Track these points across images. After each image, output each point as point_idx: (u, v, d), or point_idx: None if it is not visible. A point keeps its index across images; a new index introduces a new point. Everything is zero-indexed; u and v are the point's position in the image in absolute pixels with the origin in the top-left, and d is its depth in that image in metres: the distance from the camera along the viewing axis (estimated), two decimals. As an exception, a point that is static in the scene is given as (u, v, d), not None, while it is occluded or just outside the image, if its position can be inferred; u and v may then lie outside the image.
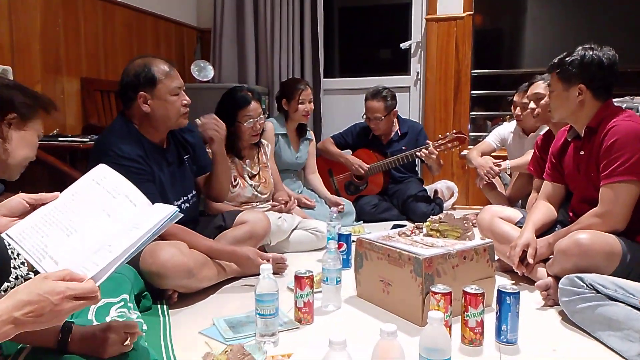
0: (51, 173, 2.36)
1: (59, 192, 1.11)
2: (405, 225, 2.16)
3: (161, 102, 1.94)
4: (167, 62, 1.98)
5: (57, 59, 2.90)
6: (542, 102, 2.46)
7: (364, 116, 3.44)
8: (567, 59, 1.92)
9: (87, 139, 2.53)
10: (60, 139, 2.52)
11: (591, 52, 1.89)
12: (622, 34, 3.96)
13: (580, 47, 1.93)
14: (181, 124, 2.04)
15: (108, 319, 1.46)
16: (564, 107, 1.97)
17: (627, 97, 3.11)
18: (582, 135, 1.96)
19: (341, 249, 2.27)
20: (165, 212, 1.10)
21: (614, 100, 2.97)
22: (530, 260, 1.93)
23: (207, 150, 2.39)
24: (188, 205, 2.15)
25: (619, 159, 1.79)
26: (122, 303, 1.54)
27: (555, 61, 1.97)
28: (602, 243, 1.76)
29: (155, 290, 1.83)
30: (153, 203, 1.82)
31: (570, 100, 1.93)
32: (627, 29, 3.94)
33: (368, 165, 3.41)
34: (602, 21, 4.00)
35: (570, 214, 2.08)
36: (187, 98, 2.02)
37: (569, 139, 2.05)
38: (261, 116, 2.65)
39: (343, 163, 3.47)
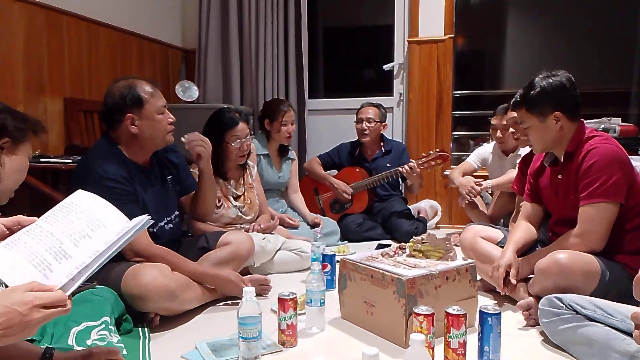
0: (33, 195, 2.34)
1: (36, 217, 1.10)
2: (390, 245, 2.17)
3: (149, 122, 1.95)
4: (149, 83, 2.00)
5: (40, 79, 2.89)
6: (521, 125, 2.52)
7: (357, 122, 3.49)
8: (531, 93, 1.94)
9: (70, 160, 2.51)
10: (42, 160, 2.49)
11: (551, 79, 1.93)
12: (597, 55, 4.07)
13: (537, 78, 1.96)
14: (168, 141, 2.06)
15: (89, 343, 1.45)
16: (545, 138, 1.98)
17: (604, 118, 3.19)
18: (562, 160, 2.00)
19: (325, 270, 2.27)
20: (134, 221, 1.11)
21: (592, 121, 3.07)
22: (513, 281, 1.96)
23: (191, 170, 2.40)
24: (171, 225, 2.14)
25: (597, 180, 1.83)
26: (103, 325, 1.52)
27: (519, 99, 1.99)
28: (581, 263, 1.79)
29: (136, 313, 1.81)
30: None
31: (549, 129, 1.95)
32: (602, 50, 4.05)
33: (351, 185, 3.43)
34: (579, 43, 4.11)
35: (550, 234, 2.12)
36: (172, 116, 2.04)
37: (546, 164, 2.09)
38: (248, 137, 2.66)
39: (328, 186, 3.49)
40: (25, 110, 2.67)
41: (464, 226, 2.59)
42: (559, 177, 2.01)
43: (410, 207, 3.59)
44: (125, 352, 1.50)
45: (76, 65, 3.16)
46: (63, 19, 3.05)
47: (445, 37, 3.83)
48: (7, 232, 1.10)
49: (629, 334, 1.44)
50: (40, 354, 1.21)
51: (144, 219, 1.11)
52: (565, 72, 1.97)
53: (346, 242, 3.26)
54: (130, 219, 1.26)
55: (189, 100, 3.77)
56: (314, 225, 3.14)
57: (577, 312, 1.58)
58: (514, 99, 2.04)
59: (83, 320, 1.52)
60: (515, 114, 2.54)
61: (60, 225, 1.09)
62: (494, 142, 3.20)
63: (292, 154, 3.42)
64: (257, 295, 2.10)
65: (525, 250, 2.10)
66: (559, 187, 2.01)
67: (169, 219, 2.13)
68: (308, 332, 1.81)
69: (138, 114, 1.93)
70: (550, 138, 1.97)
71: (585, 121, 2.02)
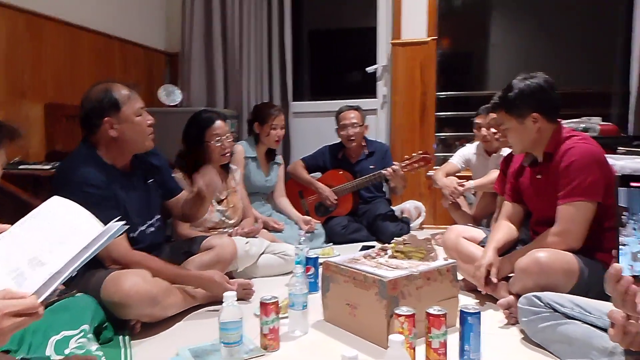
0: (14, 202, 2.31)
1: (9, 225, 1.09)
2: (374, 247, 2.18)
3: (128, 125, 1.93)
4: (126, 85, 1.98)
5: (21, 84, 2.86)
6: (501, 127, 2.54)
7: (341, 129, 3.47)
8: (510, 94, 1.98)
9: (50, 166, 2.49)
10: (21, 166, 2.47)
11: (529, 81, 1.96)
12: (579, 56, 4.12)
13: (515, 80, 1.99)
14: (148, 146, 2.03)
15: (67, 352, 1.43)
16: (524, 139, 2.01)
17: (584, 118, 3.23)
18: (541, 160, 2.02)
19: (309, 273, 2.27)
20: (107, 227, 1.10)
21: (572, 120, 3.11)
22: (494, 280, 1.97)
23: (172, 175, 2.38)
24: (153, 229, 2.12)
25: (575, 179, 1.85)
26: (82, 334, 1.51)
27: (498, 100, 2.03)
28: (560, 261, 1.81)
29: (117, 321, 1.79)
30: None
31: (528, 130, 1.98)
32: (582, 52, 4.11)
33: (336, 188, 3.44)
34: (561, 45, 4.16)
35: (531, 233, 2.14)
36: (151, 117, 2.02)
37: (525, 165, 2.11)
38: (228, 135, 2.66)
39: (314, 191, 3.50)
40: (6, 115, 2.64)
41: (448, 227, 2.61)
42: (539, 177, 2.03)
43: (394, 208, 3.60)
44: (103, 360, 1.49)
45: (58, 71, 3.13)
46: (44, 24, 3.02)
47: (429, 39, 3.85)
48: None
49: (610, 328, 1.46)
50: (16, 363, 1.19)
51: (118, 225, 1.10)
52: (543, 73, 1.99)
53: (331, 244, 3.26)
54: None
55: (173, 104, 3.76)
56: (306, 225, 3.15)
57: (555, 311, 1.59)
58: (493, 101, 2.07)
59: (62, 329, 1.50)
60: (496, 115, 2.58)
61: (35, 232, 1.08)
62: (478, 142, 3.23)
63: (280, 158, 3.43)
64: (240, 299, 2.11)
65: (507, 250, 2.12)
66: (539, 187, 2.04)
67: (150, 222, 2.11)
68: (291, 336, 1.81)
69: (116, 117, 1.92)
70: (529, 139, 2.00)
71: (565, 121, 2.05)
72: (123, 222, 1.12)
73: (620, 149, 2.74)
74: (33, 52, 2.94)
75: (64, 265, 1.00)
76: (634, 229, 1.01)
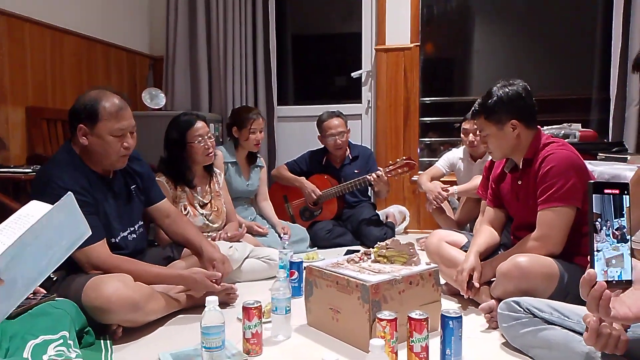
0: (-8, 205, 2.28)
1: None
2: (359, 251, 2.19)
3: (99, 141, 1.88)
4: (121, 101, 1.91)
5: (1, 88, 2.82)
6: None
7: (326, 137, 3.45)
8: (489, 102, 2.02)
9: (30, 170, 2.46)
10: (2, 169, 2.44)
11: (507, 89, 2.01)
12: (559, 63, 4.19)
13: (494, 88, 2.03)
14: (116, 166, 1.99)
15: (45, 358, 1.41)
16: (503, 146, 2.05)
17: (564, 124, 3.27)
18: (521, 166, 2.06)
19: (293, 277, 2.28)
20: (62, 199, 1.12)
21: (552, 127, 3.16)
22: (476, 284, 2.00)
23: (157, 179, 2.37)
24: (135, 236, 2.11)
25: (554, 185, 1.89)
26: (62, 341, 1.48)
27: (478, 108, 2.07)
28: (540, 265, 1.84)
29: (98, 325, 1.77)
30: (96, 235, 1.80)
31: (507, 137, 2.02)
32: (563, 58, 4.18)
33: (321, 192, 3.44)
34: (541, 51, 4.23)
35: (512, 237, 2.17)
36: (131, 141, 1.95)
37: (506, 171, 2.15)
38: (210, 134, 2.65)
39: (298, 187, 3.49)
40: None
41: (432, 231, 2.63)
42: (519, 182, 2.06)
43: (379, 212, 3.62)
44: (83, 366, 1.47)
45: (39, 74, 3.10)
46: (25, 26, 2.99)
47: (412, 45, 3.89)
48: None
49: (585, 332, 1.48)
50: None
51: (68, 197, 1.10)
52: (521, 81, 2.04)
53: (315, 248, 3.26)
54: (90, 230, 1.26)
55: (156, 107, 3.74)
56: (283, 233, 3.14)
57: (535, 316, 1.61)
58: (473, 108, 2.11)
59: (41, 333, 1.48)
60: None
61: (7, 233, 1.08)
62: (463, 147, 3.26)
63: (261, 161, 3.41)
64: (224, 303, 2.10)
65: (489, 254, 2.14)
66: (519, 192, 2.07)
67: (132, 229, 2.09)
68: (274, 340, 1.80)
69: (90, 128, 1.87)
70: (508, 145, 2.03)
71: (546, 127, 2.08)
72: (71, 195, 1.12)
73: (600, 155, 2.79)
74: (14, 54, 2.91)
75: (14, 240, 1.01)
76: (607, 235, 1.03)
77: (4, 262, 1.00)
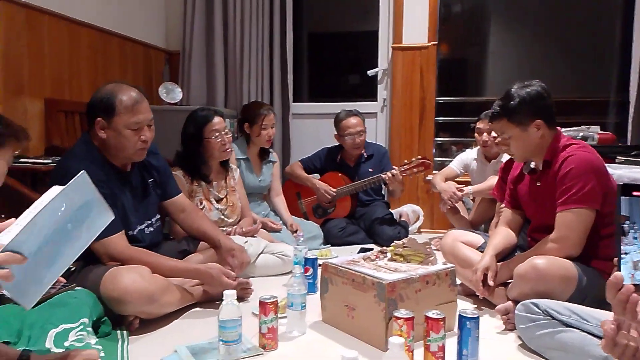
0: (11, 195, 2.30)
1: (14, 218, 1.09)
2: (372, 249, 2.19)
3: (116, 134, 1.90)
4: (138, 94, 1.92)
5: (20, 79, 2.85)
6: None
7: (344, 136, 3.43)
8: (511, 103, 1.97)
9: (49, 161, 2.48)
10: (21, 160, 2.46)
11: (528, 89, 1.97)
12: (577, 65, 4.15)
13: (513, 89, 1.99)
14: (134, 158, 2.00)
15: (67, 344, 1.43)
16: (527, 147, 2.01)
17: (583, 126, 3.25)
18: (540, 168, 2.03)
19: (307, 274, 2.28)
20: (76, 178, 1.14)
21: (571, 129, 3.13)
22: (491, 283, 1.98)
23: (173, 173, 2.38)
24: (152, 229, 2.12)
25: (573, 187, 1.87)
26: (81, 327, 1.51)
27: (499, 109, 2.02)
28: (558, 268, 1.82)
29: (115, 316, 1.79)
30: (115, 227, 1.81)
31: (531, 138, 1.98)
32: (580, 60, 4.13)
33: (335, 190, 3.43)
34: (559, 53, 4.19)
35: (529, 239, 2.15)
36: (148, 134, 1.95)
37: (525, 172, 2.12)
38: (227, 130, 2.65)
39: (310, 187, 3.49)
40: (4, 111, 2.63)
41: (446, 231, 2.62)
42: (538, 184, 2.04)
43: (392, 211, 3.60)
44: (103, 354, 1.49)
45: (57, 66, 3.12)
46: (44, 18, 3.01)
47: (429, 44, 3.87)
48: None
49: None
50: (16, 356, 1.19)
51: (81, 175, 1.11)
52: (539, 81, 2.00)
53: (329, 245, 3.26)
54: (113, 213, 1.26)
55: (172, 102, 3.76)
56: (293, 231, 3.14)
57: (553, 318, 1.60)
58: (492, 111, 2.07)
59: (61, 322, 1.50)
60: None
61: (27, 216, 1.09)
62: (477, 148, 3.24)
63: (274, 156, 3.39)
64: (238, 298, 2.10)
65: (505, 256, 2.13)
66: (538, 194, 2.05)
67: (149, 222, 2.11)
68: (289, 336, 1.81)
69: (107, 121, 1.89)
70: (532, 146, 2.00)
71: (564, 129, 2.06)
72: (84, 172, 1.15)
73: (619, 158, 2.76)
74: (32, 46, 2.93)
75: (30, 219, 1.03)
76: (635, 238, 1.02)
77: (22, 240, 1.01)
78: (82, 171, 1.12)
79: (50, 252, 1.09)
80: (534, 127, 1.97)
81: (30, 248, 1.04)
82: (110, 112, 1.88)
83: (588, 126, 3.27)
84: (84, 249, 1.17)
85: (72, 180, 1.09)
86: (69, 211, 1.10)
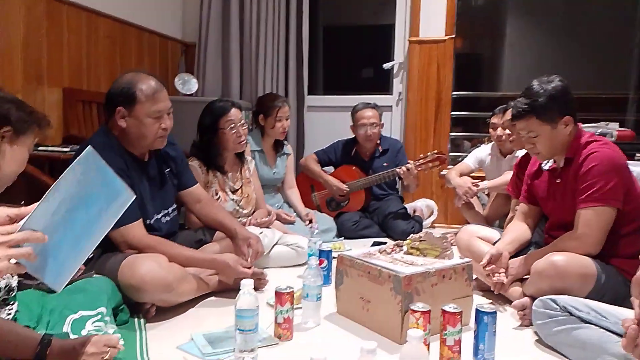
0: (29, 183, 2.32)
1: (36, 204, 1.10)
2: (386, 243, 2.18)
3: (137, 122, 1.91)
4: (157, 83, 1.94)
5: (39, 69, 2.87)
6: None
7: (358, 127, 3.43)
8: (539, 100, 1.89)
9: (68, 149, 2.50)
10: (40, 148, 2.49)
11: (553, 84, 1.90)
12: (595, 60, 4.10)
13: (536, 85, 1.91)
14: (155, 146, 2.02)
15: (84, 333, 1.44)
16: (555, 145, 1.95)
17: (602, 123, 3.21)
18: (562, 164, 1.99)
19: (322, 265, 2.28)
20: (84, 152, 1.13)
21: (590, 125, 3.09)
22: (503, 279, 1.95)
23: (189, 163, 2.39)
24: (168, 218, 2.14)
25: (595, 184, 1.84)
26: (99, 317, 1.52)
27: (527, 107, 1.91)
28: (577, 265, 1.80)
29: (132, 304, 1.81)
30: (133, 215, 1.82)
31: (560, 135, 1.92)
32: (600, 56, 4.08)
33: (348, 183, 3.43)
34: (577, 48, 4.14)
35: (546, 236, 2.13)
36: (168, 122, 1.98)
37: (544, 168, 2.09)
38: (243, 121, 2.65)
39: (322, 183, 3.49)
40: (23, 99, 2.65)
41: (460, 226, 2.60)
42: (557, 181, 2.02)
43: (406, 205, 3.59)
44: (122, 342, 1.50)
45: (75, 56, 3.14)
46: (63, 8, 3.03)
47: (446, 37, 3.84)
48: (10, 221, 1.09)
49: (622, 336, 1.45)
50: (38, 340, 1.21)
51: (89, 151, 1.11)
52: (557, 75, 1.94)
53: (342, 238, 3.26)
54: (128, 211, 1.26)
55: (188, 93, 3.77)
56: (308, 220, 3.14)
57: (571, 314, 1.59)
58: (518, 109, 1.94)
59: (79, 308, 1.51)
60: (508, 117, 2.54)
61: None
62: (492, 143, 3.22)
63: (288, 148, 3.40)
64: (253, 288, 2.12)
65: (519, 251, 2.11)
66: (557, 191, 2.02)
67: (165, 212, 2.12)
68: (304, 327, 1.81)
69: (128, 110, 1.90)
70: (560, 144, 1.95)
71: (583, 125, 2.02)
72: (91, 148, 1.13)
73: (638, 155, 2.72)
74: (52, 36, 2.95)
75: (45, 197, 1.03)
76: None
77: (38, 216, 1.03)
78: (89, 147, 1.12)
79: (71, 230, 1.09)
80: (563, 124, 1.91)
81: (47, 225, 1.04)
82: (132, 101, 1.89)
83: (607, 123, 3.24)
84: (108, 229, 1.17)
85: (80, 156, 1.09)
86: (82, 187, 1.10)
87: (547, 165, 2.08)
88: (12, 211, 1.11)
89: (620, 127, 3.20)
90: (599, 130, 3.04)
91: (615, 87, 4.13)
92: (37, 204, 1.08)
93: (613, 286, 1.81)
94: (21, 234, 0.99)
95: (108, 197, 1.16)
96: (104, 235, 1.16)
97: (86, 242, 1.12)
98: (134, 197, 1.20)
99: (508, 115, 2.61)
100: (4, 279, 1.32)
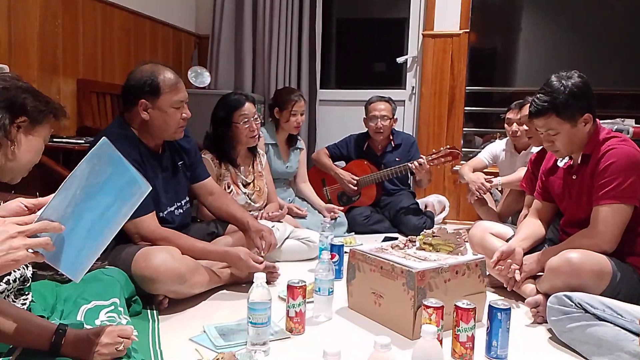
0: (44, 173, 2.34)
1: (50, 195, 1.11)
2: (397, 238, 2.17)
3: (161, 113, 1.94)
4: (175, 74, 1.96)
5: (54, 59, 2.89)
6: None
7: (369, 119, 3.42)
8: (560, 97, 1.84)
9: (82, 141, 2.52)
10: (54, 139, 2.50)
11: (572, 80, 1.86)
12: (611, 57, 4.04)
13: (555, 82, 1.87)
14: (176, 136, 2.04)
15: (97, 322, 1.45)
16: (575, 143, 1.91)
17: (618, 119, 3.16)
18: (579, 161, 1.96)
19: (333, 260, 2.27)
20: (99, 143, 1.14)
21: (605, 121, 3.05)
22: (517, 276, 1.93)
23: (202, 156, 2.40)
24: (181, 211, 2.15)
25: (613, 182, 1.81)
26: (113, 307, 1.52)
27: (546, 104, 1.86)
28: (592, 262, 1.78)
29: (145, 295, 1.82)
30: (147, 207, 1.83)
31: (580, 133, 1.89)
32: (615, 52, 4.02)
33: (359, 178, 3.42)
34: (592, 44, 4.08)
35: (561, 233, 2.11)
36: (188, 112, 2.01)
37: (560, 165, 2.06)
38: (256, 116, 2.65)
39: (333, 177, 3.48)
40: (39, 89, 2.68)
41: (472, 222, 2.58)
42: (574, 177, 1.99)
43: (418, 201, 3.58)
44: (135, 333, 1.51)
45: (90, 47, 3.16)
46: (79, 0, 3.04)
47: (461, 31, 3.80)
48: (27, 211, 1.10)
49: (639, 335, 1.44)
50: (53, 329, 1.22)
51: (104, 142, 1.12)
52: (576, 71, 1.90)
53: (353, 233, 3.26)
54: (142, 203, 1.26)
55: (201, 86, 3.77)
56: (330, 213, 3.14)
57: (586, 311, 1.57)
58: (537, 106, 1.90)
59: (93, 298, 1.52)
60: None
61: None
62: (507, 139, 3.19)
63: (301, 143, 3.39)
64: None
65: (533, 248, 2.09)
66: (573, 187, 2.00)
67: (178, 204, 2.13)
68: (315, 320, 1.81)
69: (152, 102, 1.92)
70: (579, 141, 1.91)
71: (599, 121, 1.98)
72: (105, 139, 1.14)
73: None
74: (67, 27, 2.96)
75: (60, 188, 1.05)
76: None
77: (54, 206, 1.04)
78: (104, 138, 1.12)
79: (88, 220, 1.10)
80: (583, 121, 1.87)
81: (64, 215, 1.05)
82: (156, 92, 1.91)
83: (623, 119, 3.19)
84: (125, 220, 1.18)
85: (95, 147, 1.10)
86: (98, 178, 1.10)
87: (562, 163, 2.06)
88: (29, 201, 1.12)
89: (636, 123, 3.15)
90: (615, 127, 2.99)
91: (631, 83, 4.07)
92: (53, 194, 1.09)
93: (628, 284, 1.79)
94: (38, 224, 1.00)
95: (124, 188, 1.16)
96: (121, 226, 1.17)
97: (103, 232, 1.13)
98: (150, 188, 1.20)
99: (525, 110, 2.58)
100: (19, 270, 1.33)
